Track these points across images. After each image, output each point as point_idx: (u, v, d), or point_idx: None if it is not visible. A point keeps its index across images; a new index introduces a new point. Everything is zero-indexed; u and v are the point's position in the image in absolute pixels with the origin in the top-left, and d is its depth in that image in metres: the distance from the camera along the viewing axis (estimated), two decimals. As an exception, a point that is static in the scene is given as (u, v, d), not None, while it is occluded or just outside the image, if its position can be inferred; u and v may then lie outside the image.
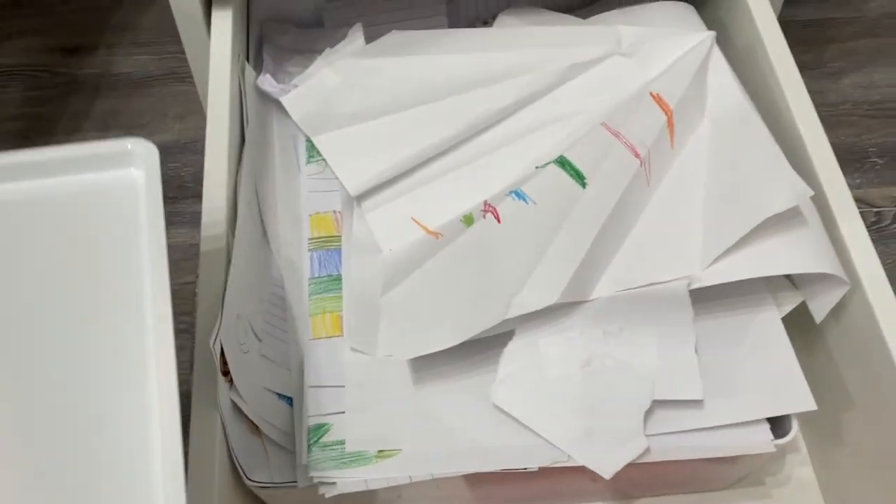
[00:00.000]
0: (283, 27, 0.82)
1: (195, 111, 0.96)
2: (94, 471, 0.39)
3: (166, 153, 0.95)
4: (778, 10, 0.75)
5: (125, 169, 0.45)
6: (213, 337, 0.54)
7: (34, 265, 0.43)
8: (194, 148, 0.96)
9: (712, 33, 0.67)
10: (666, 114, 0.64)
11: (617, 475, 0.56)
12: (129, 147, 0.44)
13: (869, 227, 0.89)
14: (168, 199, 0.92)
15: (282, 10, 0.83)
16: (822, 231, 0.61)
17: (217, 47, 0.71)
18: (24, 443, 0.39)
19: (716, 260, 0.59)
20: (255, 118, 0.70)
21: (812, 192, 0.59)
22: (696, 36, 0.67)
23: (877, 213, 0.90)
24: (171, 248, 0.87)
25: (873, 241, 0.89)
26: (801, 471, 0.69)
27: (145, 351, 0.41)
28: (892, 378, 0.56)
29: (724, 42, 0.75)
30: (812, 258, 0.58)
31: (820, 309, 0.61)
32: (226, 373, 0.55)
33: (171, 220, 0.90)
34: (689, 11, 0.72)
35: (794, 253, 0.59)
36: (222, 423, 0.54)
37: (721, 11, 0.76)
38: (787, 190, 0.59)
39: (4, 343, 0.41)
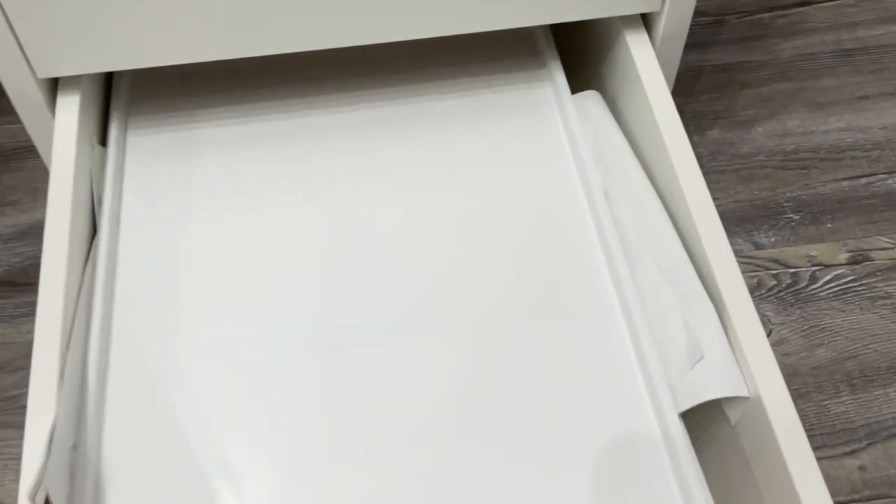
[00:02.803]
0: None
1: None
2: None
3: (36, 234, 0.88)
4: (671, 83, 0.69)
5: None
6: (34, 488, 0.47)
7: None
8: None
9: None
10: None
11: None
12: None
13: (785, 289, 0.84)
14: (31, 285, 0.84)
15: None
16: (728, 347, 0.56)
17: (61, 133, 0.64)
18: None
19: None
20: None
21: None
22: None
23: (793, 274, 0.85)
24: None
25: (790, 304, 0.85)
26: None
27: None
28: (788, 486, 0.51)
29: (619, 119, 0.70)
30: (722, 384, 0.54)
31: (732, 412, 0.56)
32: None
33: (30, 312, 0.82)
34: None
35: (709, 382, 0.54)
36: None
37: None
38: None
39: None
